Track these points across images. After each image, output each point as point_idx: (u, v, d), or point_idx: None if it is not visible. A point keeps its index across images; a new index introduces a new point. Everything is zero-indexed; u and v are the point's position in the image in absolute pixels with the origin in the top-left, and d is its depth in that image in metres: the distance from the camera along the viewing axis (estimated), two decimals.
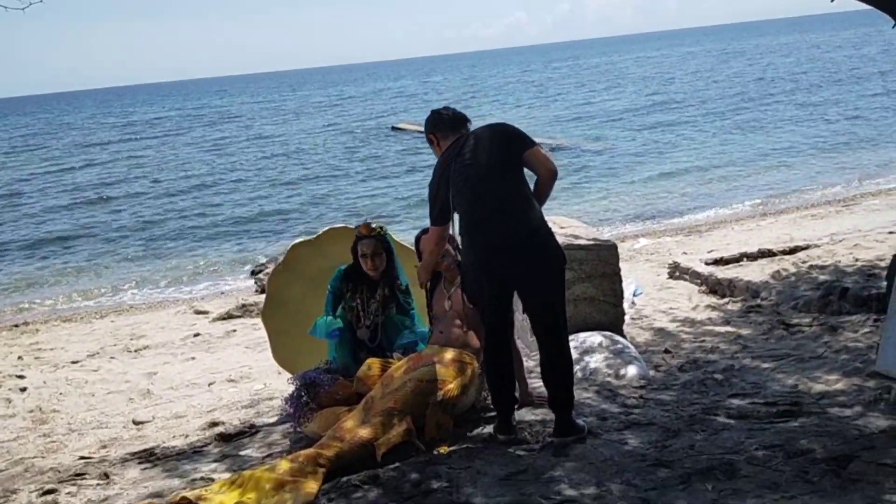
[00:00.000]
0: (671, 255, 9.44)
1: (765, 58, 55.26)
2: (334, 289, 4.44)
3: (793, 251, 8.16)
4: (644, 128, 24.64)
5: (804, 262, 7.50)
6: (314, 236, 4.97)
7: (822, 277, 6.73)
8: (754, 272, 7.43)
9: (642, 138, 22.78)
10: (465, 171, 3.75)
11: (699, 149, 20.26)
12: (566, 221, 6.18)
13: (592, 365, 4.79)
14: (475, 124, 4.02)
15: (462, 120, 4.03)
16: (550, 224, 5.92)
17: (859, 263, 7.05)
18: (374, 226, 4.44)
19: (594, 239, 5.62)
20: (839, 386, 4.26)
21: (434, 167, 3.99)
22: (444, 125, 4.02)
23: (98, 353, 7.98)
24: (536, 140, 3.82)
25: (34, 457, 4.75)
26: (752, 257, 8.28)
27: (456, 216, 3.91)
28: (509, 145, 3.74)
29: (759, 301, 6.59)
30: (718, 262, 8.28)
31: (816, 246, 8.19)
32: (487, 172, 3.72)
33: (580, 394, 4.32)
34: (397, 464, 3.52)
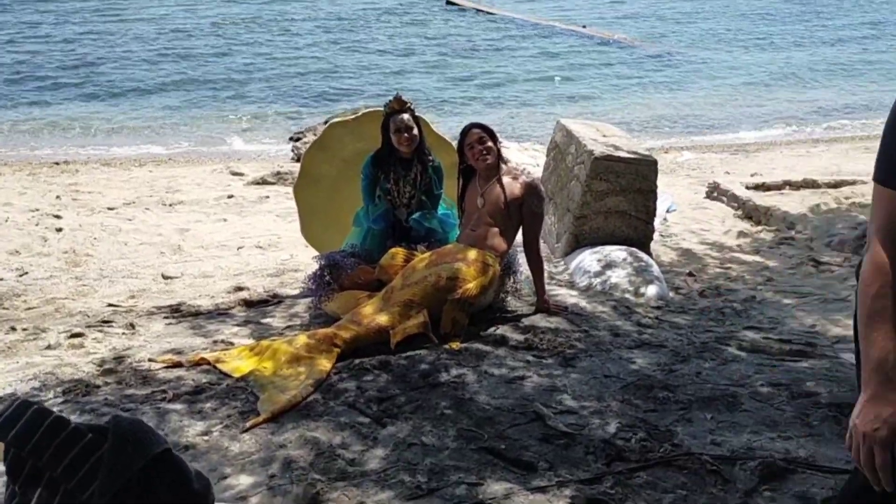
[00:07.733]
0: (713, 174, 9.26)
1: None
2: (367, 175, 4.40)
3: (837, 185, 7.96)
4: (709, 35, 23.53)
5: (847, 197, 7.32)
6: (352, 117, 4.93)
7: (861, 217, 6.58)
8: (794, 202, 7.29)
9: (706, 45, 21.80)
10: None
11: (766, 63, 19.37)
12: (609, 129, 6.04)
13: (613, 280, 4.79)
14: None
15: None
16: (593, 130, 5.75)
17: None
18: (404, 98, 4.36)
19: (634, 152, 5.51)
20: None
21: None
22: None
23: (134, 203, 8.13)
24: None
25: (65, 298, 4.92)
26: (796, 186, 8.09)
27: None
28: None
29: (793, 233, 6.50)
30: (759, 186, 8.11)
31: (863, 182, 7.97)
32: None
33: (596, 307, 4.36)
34: (409, 353, 3.62)
